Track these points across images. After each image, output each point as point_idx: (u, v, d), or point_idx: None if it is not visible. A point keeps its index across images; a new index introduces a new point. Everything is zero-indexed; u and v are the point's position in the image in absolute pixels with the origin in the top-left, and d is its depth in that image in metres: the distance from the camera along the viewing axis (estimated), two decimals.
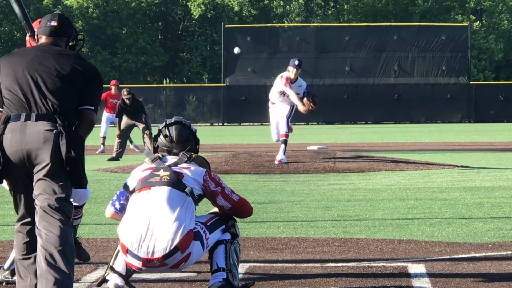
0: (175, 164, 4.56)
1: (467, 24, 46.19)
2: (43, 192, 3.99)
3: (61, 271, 3.93)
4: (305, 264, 5.49)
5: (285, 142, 12.99)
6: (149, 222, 4.33)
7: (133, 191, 4.48)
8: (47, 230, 3.95)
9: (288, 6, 58.87)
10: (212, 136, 27.99)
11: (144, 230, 4.31)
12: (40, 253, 3.95)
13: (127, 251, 4.32)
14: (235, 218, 4.63)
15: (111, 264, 4.44)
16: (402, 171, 12.69)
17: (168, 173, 4.48)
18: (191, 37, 56.60)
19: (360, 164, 13.09)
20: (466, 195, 9.34)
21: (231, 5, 55.95)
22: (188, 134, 4.68)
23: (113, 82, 19.71)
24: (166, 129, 4.68)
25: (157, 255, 4.28)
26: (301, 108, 13.00)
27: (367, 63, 43.53)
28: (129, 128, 16.56)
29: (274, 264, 5.51)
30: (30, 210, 4.08)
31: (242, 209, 4.60)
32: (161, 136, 4.68)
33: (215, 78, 52.14)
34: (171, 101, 42.35)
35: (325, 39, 42.76)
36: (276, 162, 12.94)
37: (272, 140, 13.73)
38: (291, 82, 12.98)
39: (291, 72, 12.99)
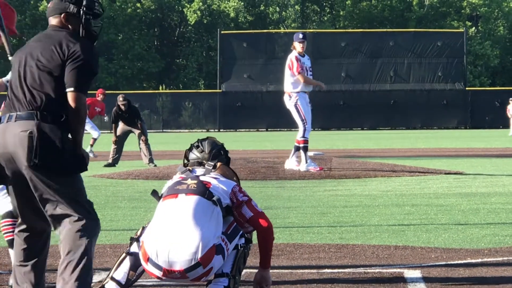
0: (203, 174, 4.57)
1: (463, 30, 46.33)
2: (46, 198, 3.93)
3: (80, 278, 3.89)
4: (301, 270, 5.48)
5: (303, 148, 12.57)
6: (173, 232, 4.28)
7: (161, 197, 4.48)
8: (63, 240, 3.91)
9: (284, 12, 58.98)
10: None
11: (168, 240, 4.26)
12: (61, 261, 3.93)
13: (148, 260, 4.27)
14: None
15: (111, 274, 4.41)
16: (398, 177, 12.68)
17: (195, 181, 4.47)
18: (187, 43, 56.69)
19: (356, 170, 13.09)
20: (462, 201, 9.34)
21: (227, 11, 56.04)
22: (220, 148, 4.76)
23: (100, 90, 19.96)
24: (199, 143, 4.76)
25: (179, 267, 4.24)
26: (323, 85, 13.01)
27: (363, 69, 43.65)
28: (125, 134, 16.55)
29: (270, 270, 5.49)
30: (24, 216, 4.03)
31: (262, 221, 4.53)
32: (193, 149, 4.74)
33: (211, 84, 52.21)
34: (167, 107, 42.34)
35: (321, 45, 42.87)
36: (302, 169, 12.56)
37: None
38: (301, 56, 12.79)
39: (298, 47, 12.85)
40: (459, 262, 5.74)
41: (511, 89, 44.41)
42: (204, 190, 4.42)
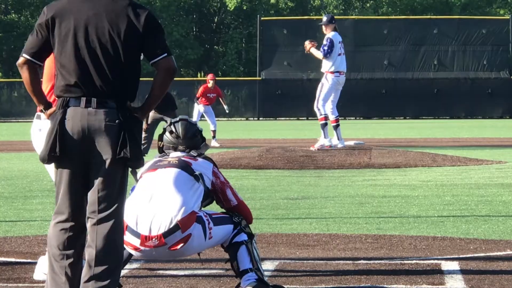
0: (183, 156, 4.56)
1: (508, 17, 45.45)
2: (100, 189, 3.79)
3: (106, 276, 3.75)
4: (336, 261, 5.42)
5: (325, 125, 13.32)
6: (151, 199, 4.30)
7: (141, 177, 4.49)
8: (96, 233, 3.78)
9: None
10: (247, 130, 27.98)
11: (145, 207, 4.27)
12: (86, 257, 3.79)
13: (126, 228, 4.24)
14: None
15: None
16: (439, 167, 12.52)
17: (176, 158, 4.49)
18: (226, 29, 56.58)
19: (396, 160, 12.95)
20: (504, 192, 9.17)
21: None
22: (195, 131, 4.66)
23: (210, 76, 20.58)
24: (172, 126, 4.64)
25: (157, 232, 4.22)
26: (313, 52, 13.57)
27: (406, 57, 43.11)
28: (156, 122, 16.48)
29: (305, 261, 5.45)
30: (74, 212, 3.84)
31: (246, 210, 4.57)
32: (167, 133, 4.66)
33: (251, 71, 52.09)
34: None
35: (363, 32, 42.44)
36: (313, 148, 13.17)
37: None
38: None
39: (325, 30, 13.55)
40: (499, 253, 5.64)
41: None
42: (185, 165, 4.42)
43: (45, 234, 6.38)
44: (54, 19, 3.83)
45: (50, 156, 3.85)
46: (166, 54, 3.89)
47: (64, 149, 3.82)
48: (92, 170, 3.83)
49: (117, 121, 3.77)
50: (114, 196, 3.82)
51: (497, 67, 42.72)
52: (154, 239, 4.22)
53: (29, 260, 5.46)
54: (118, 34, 3.79)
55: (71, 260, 3.82)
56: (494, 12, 55.19)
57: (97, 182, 3.82)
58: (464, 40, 42.72)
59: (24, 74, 3.88)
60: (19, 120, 39.08)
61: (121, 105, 3.81)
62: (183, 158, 4.49)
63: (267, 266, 5.21)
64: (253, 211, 8.14)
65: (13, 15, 54.14)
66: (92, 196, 3.83)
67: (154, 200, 4.30)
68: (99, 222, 3.80)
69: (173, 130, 4.63)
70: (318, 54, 13.51)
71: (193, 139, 4.62)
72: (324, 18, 13.64)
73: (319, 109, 13.40)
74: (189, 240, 4.26)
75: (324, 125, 13.36)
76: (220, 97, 20.54)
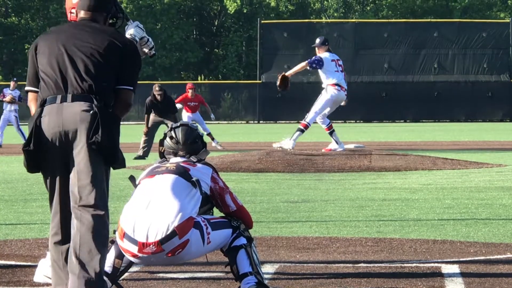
0: (183, 161, 4.56)
1: (508, 20, 45.47)
2: (79, 178, 3.96)
3: (91, 266, 3.91)
4: (336, 264, 5.42)
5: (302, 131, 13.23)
6: (148, 205, 4.31)
7: (139, 183, 4.50)
8: (80, 219, 3.94)
9: (326, 2, 58.62)
10: (248, 133, 27.98)
11: (142, 213, 4.28)
12: (72, 246, 3.95)
13: (123, 235, 4.28)
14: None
15: None
16: (439, 170, 12.51)
17: (174, 164, 4.50)
18: (226, 32, 56.57)
19: (396, 163, 12.95)
20: (504, 195, 9.17)
21: (267, 1, 55.87)
22: (195, 137, 4.66)
23: (189, 85, 20.46)
24: (172, 132, 4.66)
25: (154, 238, 4.23)
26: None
27: (406, 60, 43.13)
28: (156, 125, 16.43)
29: (305, 264, 5.44)
30: (64, 202, 4.04)
31: (246, 215, 4.57)
32: (167, 139, 4.67)
33: (251, 74, 52.11)
34: (206, 98, 42.29)
35: (364, 35, 42.48)
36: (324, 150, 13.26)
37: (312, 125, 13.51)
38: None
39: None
40: (499, 257, 5.63)
41: None
42: (183, 171, 4.43)
43: (45, 237, 6.38)
44: (41, 41, 4.14)
45: (25, 152, 4.01)
46: (131, 88, 4.11)
47: (40, 145, 3.98)
48: (72, 165, 3.99)
49: (91, 111, 3.95)
50: (95, 185, 3.96)
51: (497, 70, 42.73)
52: (151, 245, 4.23)
53: (29, 263, 5.46)
54: (98, 47, 4.04)
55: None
56: (494, 15, 55.23)
57: (76, 172, 3.97)
58: (464, 44, 42.73)
59: (32, 107, 4.16)
60: (20, 124, 39.01)
61: (96, 101, 4.00)
62: (181, 164, 4.50)
63: (267, 269, 5.21)
64: (253, 214, 8.13)
65: (13, 18, 54.19)
66: (73, 187, 3.98)
67: (151, 206, 4.31)
68: (81, 212, 3.95)
69: (173, 135, 4.64)
70: (300, 65, 13.27)
71: (193, 145, 4.62)
72: (317, 40, 13.32)
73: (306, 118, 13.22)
74: (187, 246, 4.26)
75: (302, 131, 13.17)
76: (204, 104, 20.36)
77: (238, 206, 4.54)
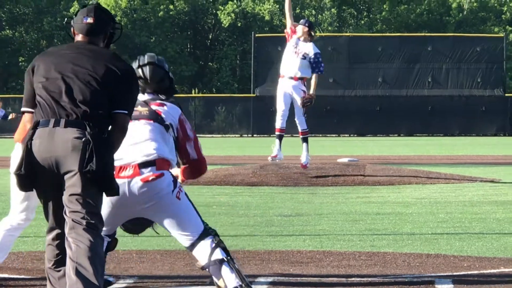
0: (152, 100, 4.55)
1: (502, 35, 45.70)
2: (73, 203, 3.94)
3: (91, 283, 3.87)
4: (330, 278, 5.42)
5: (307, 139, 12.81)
6: (129, 144, 4.33)
7: None
8: (77, 241, 3.91)
9: (320, 16, 58.83)
10: (242, 147, 27.97)
11: (123, 148, 4.25)
12: (69, 265, 3.90)
13: None
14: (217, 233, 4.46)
15: None
16: (433, 184, 12.52)
17: (146, 108, 4.50)
18: (220, 46, 56.67)
19: (390, 177, 12.96)
20: (498, 210, 9.18)
21: (261, 14, 56.02)
22: (163, 74, 4.59)
23: None
24: (140, 70, 4.58)
25: (133, 162, 4.31)
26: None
27: (400, 74, 43.24)
28: None
29: (299, 278, 5.43)
30: (59, 221, 4.03)
31: (203, 166, 4.59)
32: None
33: (245, 88, 52.15)
34: (200, 111, 42.41)
35: (358, 49, 42.57)
36: (302, 167, 12.66)
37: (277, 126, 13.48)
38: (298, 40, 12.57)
39: (298, 30, 12.66)
40: (492, 271, 5.63)
41: None
42: (156, 116, 4.46)
43: (39, 250, 6.36)
44: (38, 62, 4.09)
45: (17, 176, 4.01)
46: (127, 112, 4.05)
47: (31, 167, 3.95)
48: (64, 190, 3.96)
49: (83, 138, 3.90)
50: (89, 209, 3.94)
51: (491, 84, 42.87)
52: (129, 168, 4.27)
53: (22, 276, 5.44)
54: (96, 75, 3.99)
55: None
56: (489, 30, 55.48)
57: (68, 196, 3.94)
58: (458, 58, 42.88)
59: (27, 127, 4.09)
60: (13, 136, 38.93)
61: (90, 127, 3.94)
62: (152, 107, 4.50)
63: (261, 283, 5.20)
64: (247, 228, 8.12)
65: (8, 31, 54.19)
66: (66, 212, 3.97)
67: (132, 145, 4.36)
68: (76, 233, 3.95)
69: (141, 75, 4.56)
70: (316, 78, 12.80)
71: (160, 83, 4.57)
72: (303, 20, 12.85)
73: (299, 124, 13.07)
74: (161, 178, 4.28)
75: (306, 140, 12.94)
76: None
77: (199, 156, 4.54)
